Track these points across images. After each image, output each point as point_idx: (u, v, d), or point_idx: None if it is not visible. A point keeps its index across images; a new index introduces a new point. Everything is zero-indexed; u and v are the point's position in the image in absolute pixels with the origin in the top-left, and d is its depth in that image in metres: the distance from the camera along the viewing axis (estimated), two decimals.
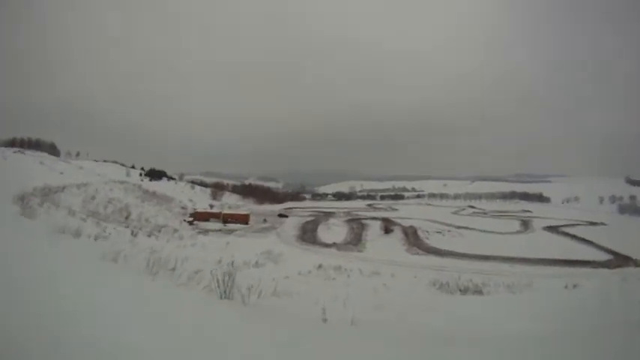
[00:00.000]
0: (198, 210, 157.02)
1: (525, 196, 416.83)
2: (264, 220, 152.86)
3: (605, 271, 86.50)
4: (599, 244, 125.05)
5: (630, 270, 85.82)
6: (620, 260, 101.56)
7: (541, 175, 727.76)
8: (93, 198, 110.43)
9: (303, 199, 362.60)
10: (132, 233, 67.40)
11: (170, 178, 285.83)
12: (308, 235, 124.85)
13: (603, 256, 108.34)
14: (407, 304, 38.53)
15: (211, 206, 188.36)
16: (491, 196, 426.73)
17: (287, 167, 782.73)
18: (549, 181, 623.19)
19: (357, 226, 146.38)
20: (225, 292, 14.95)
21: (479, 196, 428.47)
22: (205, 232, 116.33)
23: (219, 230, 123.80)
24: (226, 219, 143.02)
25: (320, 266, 65.02)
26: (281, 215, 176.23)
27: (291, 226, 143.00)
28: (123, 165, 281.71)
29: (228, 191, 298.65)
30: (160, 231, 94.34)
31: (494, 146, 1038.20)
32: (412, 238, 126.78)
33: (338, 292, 31.61)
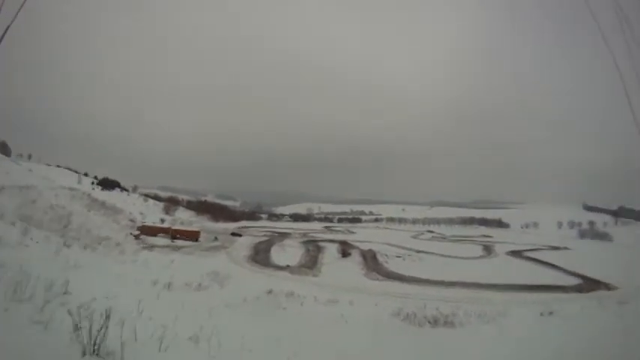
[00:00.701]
0: (147, 224, 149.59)
1: (484, 222, 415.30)
2: (215, 238, 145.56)
3: (577, 295, 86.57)
4: (566, 268, 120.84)
5: (602, 293, 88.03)
6: (590, 284, 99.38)
7: (499, 201, 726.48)
8: (33, 202, 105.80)
9: (260, 218, 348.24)
10: (64, 244, 59.59)
11: (123, 189, 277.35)
12: (260, 255, 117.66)
13: (572, 280, 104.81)
14: (371, 344, 31.86)
15: (162, 221, 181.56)
16: (450, 222, 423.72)
17: (246, 186, 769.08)
18: (507, 208, 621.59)
19: (313, 249, 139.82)
20: (94, 344, 10.40)
21: (437, 221, 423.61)
22: (151, 247, 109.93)
23: (167, 246, 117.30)
24: (175, 235, 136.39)
25: (270, 292, 60.63)
26: (234, 234, 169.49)
27: (244, 245, 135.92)
28: (76, 172, 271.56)
29: (183, 206, 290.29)
30: (100, 243, 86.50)
31: (453, 172, 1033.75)
32: (371, 262, 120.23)
33: (285, 330, 30.38)
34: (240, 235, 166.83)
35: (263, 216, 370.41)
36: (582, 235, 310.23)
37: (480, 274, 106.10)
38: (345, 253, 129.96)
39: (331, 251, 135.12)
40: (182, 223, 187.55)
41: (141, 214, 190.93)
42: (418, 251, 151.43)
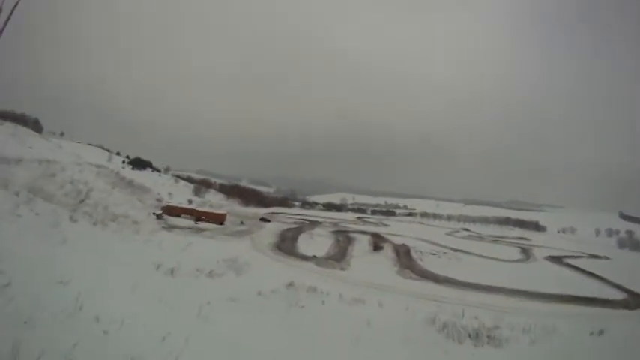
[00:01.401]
0: (171, 204, 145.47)
1: (521, 224, 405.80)
2: (242, 223, 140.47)
3: (626, 312, 80.00)
4: (609, 280, 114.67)
5: None
6: (637, 300, 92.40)
7: (534, 203, 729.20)
8: (52, 176, 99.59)
9: (292, 205, 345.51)
10: (71, 219, 57.39)
11: (155, 169, 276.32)
12: (286, 243, 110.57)
13: (618, 294, 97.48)
14: None
15: (190, 202, 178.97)
16: (486, 221, 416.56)
17: (281, 173, 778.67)
18: (542, 211, 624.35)
19: (343, 239, 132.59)
20: None
21: (473, 220, 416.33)
22: (171, 228, 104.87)
23: (189, 228, 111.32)
24: (199, 217, 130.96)
25: (290, 284, 52.23)
26: (263, 219, 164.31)
27: (271, 232, 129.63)
28: (108, 150, 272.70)
29: (215, 190, 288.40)
30: (114, 221, 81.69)
31: (489, 172, 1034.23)
32: (404, 258, 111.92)
33: (295, 336, 26.81)
34: (268, 221, 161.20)
35: (296, 203, 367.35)
36: (621, 244, 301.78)
37: (520, 279, 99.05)
38: (376, 247, 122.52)
39: (362, 243, 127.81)
40: (211, 206, 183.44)
41: (169, 194, 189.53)
42: (455, 250, 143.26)
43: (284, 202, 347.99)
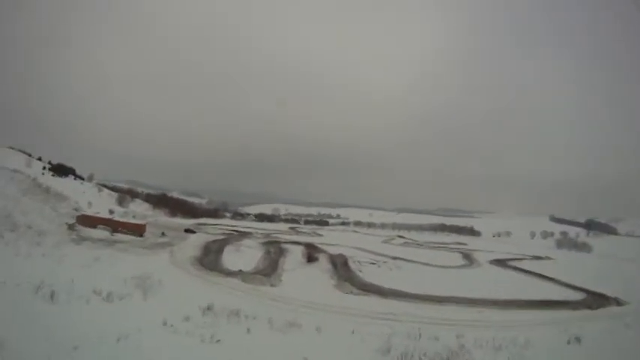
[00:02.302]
0: (86, 214, 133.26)
1: (456, 229, 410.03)
2: (163, 234, 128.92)
3: (590, 313, 77.64)
4: (561, 280, 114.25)
5: (615, 310, 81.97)
6: (596, 299, 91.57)
7: (466, 210, 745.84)
8: None
9: (223, 216, 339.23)
10: None
11: (78, 177, 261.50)
12: (210, 257, 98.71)
13: (575, 295, 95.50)
14: None
15: (111, 212, 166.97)
16: (420, 228, 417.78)
17: (214, 185, 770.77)
18: (474, 216, 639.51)
19: (274, 251, 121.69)
20: None
21: (407, 227, 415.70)
22: (81, 240, 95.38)
23: (102, 240, 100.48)
24: (117, 228, 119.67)
25: (209, 308, 43.75)
26: (188, 230, 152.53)
27: (194, 244, 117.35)
28: (29, 155, 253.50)
29: (141, 199, 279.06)
30: (14, 231, 77.21)
31: (421, 180, 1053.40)
32: (342, 269, 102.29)
33: None
34: (194, 232, 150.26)
35: (227, 214, 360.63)
36: (560, 245, 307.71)
37: (471, 286, 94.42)
38: (311, 258, 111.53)
39: (295, 255, 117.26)
40: (134, 217, 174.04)
41: (89, 203, 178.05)
42: (394, 258, 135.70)
43: (214, 212, 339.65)
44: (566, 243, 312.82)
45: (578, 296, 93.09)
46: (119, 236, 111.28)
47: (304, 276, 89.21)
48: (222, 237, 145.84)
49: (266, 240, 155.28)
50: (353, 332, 42.74)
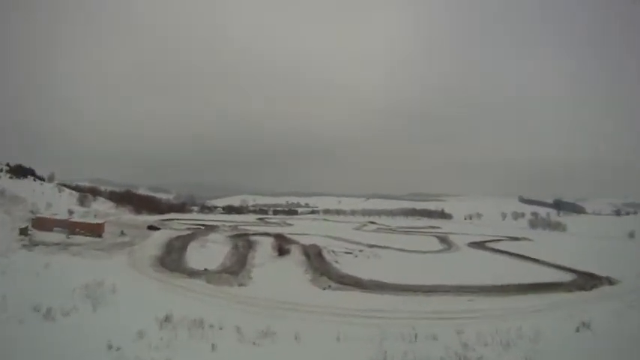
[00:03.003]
0: (42, 216, 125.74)
1: (427, 213, 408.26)
2: (122, 233, 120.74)
3: (586, 294, 73.98)
4: (546, 261, 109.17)
5: (610, 290, 78.33)
6: (588, 279, 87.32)
7: (436, 194, 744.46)
8: None
9: (190, 211, 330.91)
10: None
11: (38, 178, 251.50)
12: (173, 256, 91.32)
13: (565, 275, 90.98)
14: None
15: (71, 213, 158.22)
16: (391, 213, 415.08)
17: (181, 179, 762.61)
18: (442, 200, 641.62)
19: (243, 244, 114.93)
20: None
21: (377, 213, 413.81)
22: (33, 245, 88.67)
23: (56, 244, 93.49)
24: (74, 229, 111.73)
25: (167, 319, 38.55)
26: (151, 227, 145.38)
27: (156, 242, 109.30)
28: None
29: (104, 198, 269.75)
30: None
31: (388, 167, 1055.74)
32: (316, 261, 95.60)
33: None
34: (157, 229, 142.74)
35: (194, 208, 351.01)
36: (533, 225, 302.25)
37: (454, 272, 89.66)
38: (282, 250, 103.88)
39: (265, 248, 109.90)
40: (95, 216, 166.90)
41: (48, 204, 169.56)
42: (370, 245, 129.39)
43: (181, 207, 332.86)
44: (539, 223, 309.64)
45: (567, 277, 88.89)
46: (76, 238, 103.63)
47: (276, 271, 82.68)
48: (187, 232, 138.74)
49: (234, 233, 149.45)
50: (338, 339, 36.86)
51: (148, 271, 74.56)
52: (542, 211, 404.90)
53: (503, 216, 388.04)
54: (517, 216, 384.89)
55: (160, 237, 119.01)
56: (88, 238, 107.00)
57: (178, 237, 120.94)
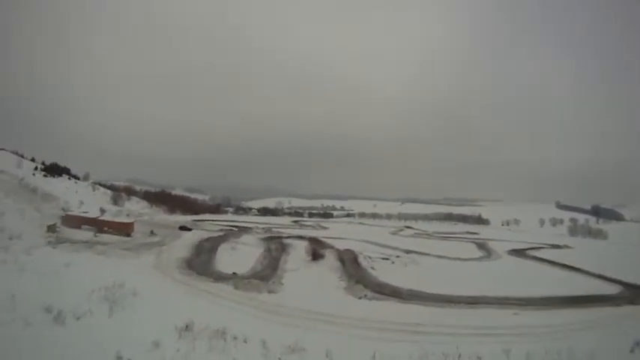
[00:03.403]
0: (71, 213, 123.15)
1: (463, 218, 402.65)
2: (152, 233, 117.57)
3: (635, 309, 69.23)
4: (589, 271, 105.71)
5: None
6: (636, 292, 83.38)
7: (470, 199, 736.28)
8: None
9: (225, 212, 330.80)
10: None
11: (73, 176, 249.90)
12: (202, 258, 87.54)
13: (611, 288, 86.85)
14: None
15: (103, 211, 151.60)
16: (427, 217, 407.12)
17: (217, 180, 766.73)
18: (479, 205, 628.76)
19: (275, 248, 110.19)
20: None
21: (413, 217, 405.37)
22: (59, 243, 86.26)
23: (84, 242, 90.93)
24: (102, 227, 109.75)
25: (187, 328, 34.41)
26: (182, 228, 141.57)
27: (187, 243, 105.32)
28: (21, 156, 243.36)
29: (139, 197, 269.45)
30: None
31: (423, 170, 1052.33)
32: (352, 267, 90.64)
33: None
34: (189, 230, 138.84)
35: (229, 209, 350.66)
36: (572, 232, 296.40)
37: (496, 281, 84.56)
38: (316, 255, 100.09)
39: (299, 252, 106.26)
40: (128, 215, 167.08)
41: (81, 202, 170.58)
42: (407, 251, 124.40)
43: (216, 208, 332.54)
44: (578, 230, 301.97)
45: (614, 289, 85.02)
46: (104, 237, 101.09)
47: (309, 277, 77.88)
48: (219, 234, 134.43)
49: (267, 235, 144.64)
50: (374, 357, 32.55)
51: (173, 273, 71.00)
52: (581, 218, 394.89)
53: (542, 222, 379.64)
54: (555, 222, 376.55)
55: (191, 238, 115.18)
56: (116, 237, 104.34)
57: (209, 238, 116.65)
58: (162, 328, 32.08)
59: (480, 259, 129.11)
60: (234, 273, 74.13)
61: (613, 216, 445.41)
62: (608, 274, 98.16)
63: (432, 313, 57.36)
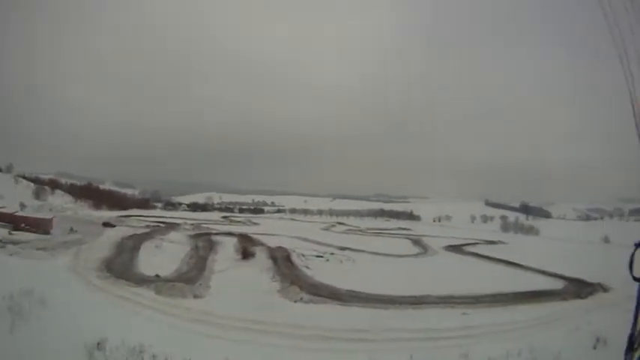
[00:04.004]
0: None
1: (395, 214, 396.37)
2: (72, 230, 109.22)
3: (584, 302, 70.10)
4: (529, 266, 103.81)
5: (605, 297, 73.93)
6: (580, 286, 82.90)
7: (400, 195, 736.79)
8: None
9: (153, 207, 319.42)
10: None
11: None
12: (123, 258, 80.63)
13: (555, 282, 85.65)
14: None
15: (23, 206, 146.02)
16: (358, 213, 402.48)
17: (147, 175, 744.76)
18: (409, 202, 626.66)
19: (203, 245, 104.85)
20: None
21: (345, 213, 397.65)
22: None
23: None
24: (19, 224, 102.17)
25: (98, 346, 29.33)
26: (106, 224, 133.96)
27: (109, 241, 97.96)
28: None
29: (64, 191, 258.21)
30: None
31: (353, 167, 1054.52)
32: (285, 266, 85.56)
33: None
34: (113, 226, 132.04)
35: (158, 205, 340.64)
36: (505, 228, 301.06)
37: (437, 279, 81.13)
38: (246, 254, 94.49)
39: (228, 250, 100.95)
40: (51, 210, 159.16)
41: (0, 196, 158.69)
42: (342, 248, 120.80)
43: (145, 203, 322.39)
44: (510, 226, 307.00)
45: (558, 284, 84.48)
46: (21, 235, 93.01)
47: (239, 279, 71.97)
48: (145, 230, 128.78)
49: (195, 232, 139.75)
50: None
51: (90, 276, 63.57)
52: (510, 215, 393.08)
53: (472, 219, 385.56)
54: (486, 219, 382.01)
55: (114, 235, 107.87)
56: (34, 235, 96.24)
57: (133, 236, 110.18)
58: (70, 346, 28.39)
59: (416, 255, 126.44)
60: (157, 275, 67.64)
61: (541, 213, 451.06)
62: (547, 269, 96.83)
63: (375, 317, 53.03)
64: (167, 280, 64.62)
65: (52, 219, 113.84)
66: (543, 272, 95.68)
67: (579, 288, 79.60)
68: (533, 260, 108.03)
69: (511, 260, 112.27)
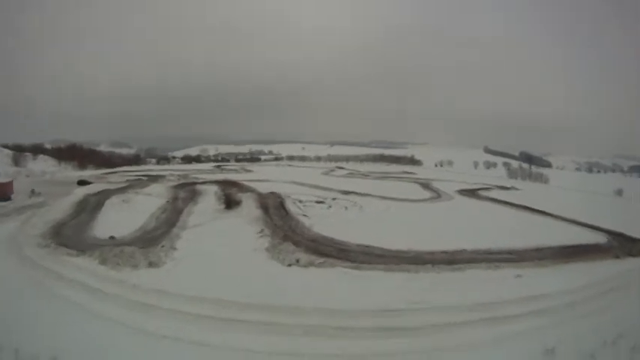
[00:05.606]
0: None
1: (396, 159, 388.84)
2: (33, 192, 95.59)
3: (636, 261, 54.88)
4: (561, 216, 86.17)
5: None
6: (624, 241, 67.07)
7: (398, 142, 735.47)
8: None
9: (147, 163, 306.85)
10: None
11: None
12: (81, 218, 66.73)
13: (596, 236, 68.61)
14: None
15: None
16: (358, 159, 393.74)
17: (144, 132, 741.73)
18: (407, 148, 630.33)
19: (184, 197, 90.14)
20: None
21: (344, 158, 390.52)
22: None
23: None
24: None
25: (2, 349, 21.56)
26: (81, 182, 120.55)
27: (72, 200, 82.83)
28: None
29: (48, 155, 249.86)
30: None
31: (352, 114, 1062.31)
32: (277, 216, 70.40)
33: None
34: (88, 184, 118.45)
35: (152, 160, 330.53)
36: (512, 175, 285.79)
37: (464, 229, 66.64)
38: (230, 202, 79.77)
39: (210, 199, 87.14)
40: (28, 176, 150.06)
41: None
42: (345, 192, 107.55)
43: (136, 160, 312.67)
44: (518, 173, 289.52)
45: (600, 238, 68.06)
46: None
47: (216, 235, 56.02)
48: (120, 185, 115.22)
49: (180, 182, 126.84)
50: None
51: (31, 249, 48.65)
52: (512, 163, 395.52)
53: (475, 165, 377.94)
54: (489, 165, 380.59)
55: (80, 193, 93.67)
56: None
57: (101, 192, 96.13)
58: None
59: (431, 199, 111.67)
60: (111, 237, 53.48)
61: (542, 163, 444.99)
62: (584, 220, 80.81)
63: (404, 286, 37.55)
64: (119, 244, 49.34)
65: (10, 182, 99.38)
66: (575, 222, 79.97)
67: (624, 243, 65.26)
68: (558, 209, 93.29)
69: (535, 207, 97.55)
